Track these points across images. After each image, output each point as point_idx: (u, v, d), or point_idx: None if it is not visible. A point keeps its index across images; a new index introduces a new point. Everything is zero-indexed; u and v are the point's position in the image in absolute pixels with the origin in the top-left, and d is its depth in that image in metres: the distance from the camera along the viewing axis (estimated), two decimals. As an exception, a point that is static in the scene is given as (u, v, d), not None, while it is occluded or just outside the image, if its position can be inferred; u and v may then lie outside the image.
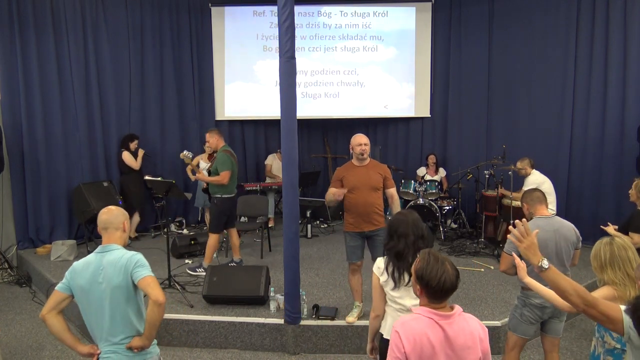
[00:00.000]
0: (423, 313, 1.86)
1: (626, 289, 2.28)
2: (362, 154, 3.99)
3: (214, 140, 5.49)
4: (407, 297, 2.51)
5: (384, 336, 2.56)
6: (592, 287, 2.49)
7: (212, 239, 5.30)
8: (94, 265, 2.43)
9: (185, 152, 5.69)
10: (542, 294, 2.48)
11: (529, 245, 2.03)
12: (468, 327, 1.86)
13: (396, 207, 4.11)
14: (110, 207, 2.59)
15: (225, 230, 5.62)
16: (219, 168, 5.22)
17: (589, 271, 5.19)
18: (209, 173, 5.45)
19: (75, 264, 2.49)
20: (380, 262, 2.63)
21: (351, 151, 4.06)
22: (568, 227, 3.12)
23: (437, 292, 1.84)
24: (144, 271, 2.40)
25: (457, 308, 1.90)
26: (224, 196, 5.27)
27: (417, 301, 2.23)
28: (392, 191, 4.11)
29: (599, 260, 2.41)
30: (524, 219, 2.24)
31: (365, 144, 3.99)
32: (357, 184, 3.96)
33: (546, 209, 3.20)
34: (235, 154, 8.21)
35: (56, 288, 2.46)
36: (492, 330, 4.02)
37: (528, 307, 3.09)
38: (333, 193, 3.98)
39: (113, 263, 2.41)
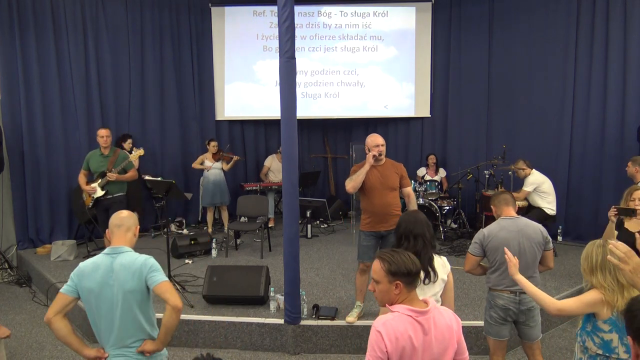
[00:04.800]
0: (402, 311, 1.87)
1: (614, 295, 2.15)
2: (380, 155, 3.98)
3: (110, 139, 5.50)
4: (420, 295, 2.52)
5: None
6: (579, 294, 2.38)
7: None
8: (104, 268, 2.36)
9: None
10: (530, 291, 2.40)
11: (637, 266, 1.78)
12: (443, 319, 1.91)
13: (413, 205, 4.11)
14: (121, 210, 2.59)
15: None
16: (127, 167, 5.40)
17: (580, 277, 5.21)
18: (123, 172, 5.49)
19: (82, 265, 2.40)
20: None
21: (367, 151, 4.01)
22: (534, 228, 3.06)
23: (416, 274, 1.91)
24: (160, 276, 2.36)
25: (432, 302, 1.93)
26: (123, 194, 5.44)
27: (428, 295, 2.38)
28: (409, 190, 4.11)
29: (589, 263, 2.26)
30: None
31: (382, 145, 3.99)
32: (374, 184, 3.95)
33: (513, 211, 3.14)
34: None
35: (61, 291, 2.37)
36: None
37: (494, 308, 3.08)
38: (360, 165, 3.97)
39: (126, 266, 2.35)
